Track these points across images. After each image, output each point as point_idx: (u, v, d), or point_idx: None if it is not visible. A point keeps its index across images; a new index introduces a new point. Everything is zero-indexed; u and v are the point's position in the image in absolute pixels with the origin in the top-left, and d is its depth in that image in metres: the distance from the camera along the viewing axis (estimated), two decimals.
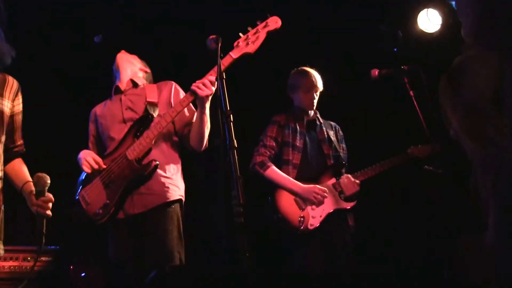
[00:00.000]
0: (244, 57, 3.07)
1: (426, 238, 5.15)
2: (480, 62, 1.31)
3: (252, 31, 3.05)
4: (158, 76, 3.82)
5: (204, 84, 3.12)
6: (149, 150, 3.30)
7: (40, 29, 5.19)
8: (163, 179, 3.36)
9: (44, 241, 2.60)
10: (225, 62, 3.05)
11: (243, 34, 3.07)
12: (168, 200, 3.33)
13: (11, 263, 3.95)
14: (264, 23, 3.05)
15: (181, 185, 3.48)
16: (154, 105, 3.45)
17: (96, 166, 3.33)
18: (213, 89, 3.12)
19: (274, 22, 3.06)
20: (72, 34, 5.30)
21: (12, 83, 2.78)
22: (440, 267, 4.03)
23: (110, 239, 3.39)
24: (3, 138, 2.71)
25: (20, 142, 2.91)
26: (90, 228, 3.46)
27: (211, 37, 2.78)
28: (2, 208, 2.71)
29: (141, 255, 3.25)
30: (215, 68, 3.08)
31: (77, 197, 3.47)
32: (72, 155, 3.63)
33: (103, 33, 5.28)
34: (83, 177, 3.49)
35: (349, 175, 4.19)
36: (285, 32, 5.55)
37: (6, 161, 2.81)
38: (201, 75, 3.15)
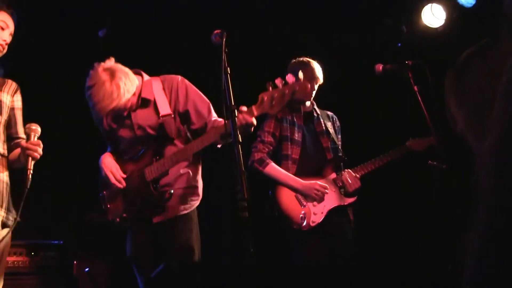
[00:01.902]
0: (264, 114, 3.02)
1: (429, 233, 5.15)
2: (485, 58, 1.30)
3: (279, 93, 2.84)
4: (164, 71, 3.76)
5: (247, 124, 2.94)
6: (167, 171, 3.27)
7: (44, 24, 5.19)
8: (184, 191, 3.37)
9: (29, 180, 2.77)
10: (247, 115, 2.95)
11: (271, 85, 2.86)
12: (187, 212, 3.36)
13: (15, 258, 3.96)
14: (292, 89, 2.81)
15: (201, 191, 3.48)
16: (169, 121, 3.33)
17: (117, 183, 3.31)
18: (252, 129, 2.98)
19: (303, 90, 2.82)
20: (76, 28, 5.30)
21: (11, 84, 3.19)
22: (444, 262, 4.03)
23: (129, 236, 3.42)
24: (2, 120, 3.06)
25: (23, 136, 3.14)
26: (92, 224, 3.48)
27: (216, 31, 2.77)
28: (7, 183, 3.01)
29: (161, 252, 3.27)
30: (257, 107, 2.94)
31: (100, 197, 3.48)
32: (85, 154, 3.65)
33: (107, 27, 5.28)
34: (103, 178, 3.46)
35: (350, 170, 4.16)
36: (288, 26, 5.56)
37: (11, 151, 3.12)
38: (206, 70, 3.11)
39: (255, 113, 2.94)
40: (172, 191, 3.27)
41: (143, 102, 3.37)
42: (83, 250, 4.67)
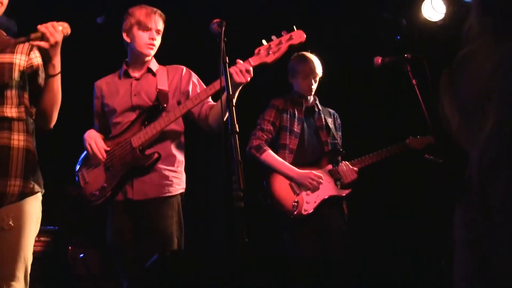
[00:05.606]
0: (262, 65, 3.06)
1: (422, 227, 5.16)
2: (477, 59, 1.29)
3: (275, 41, 3.02)
4: (166, 59, 3.74)
5: (241, 71, 3.03)
6: (154, 141, 3.29)
7: (43, 8, 5.16)
8: (167, 172, 3.34)
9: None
10: None
11: (266, 41, 3.04)
12: (170, 194, 3.33)
13: None
14: (288, 36, 3.01)
15: (184, 177, 3.47)
16: (165, 93, 3.40)
17: (97, 152, 3.30)
18: (249, 78, 3.04)
19: (299, 36, 3.02)
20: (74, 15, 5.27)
21: (24, 44, 2.87)
22: (437, 256, 4.05)
23: (109, 221, 3.38)
24: (13, 83, 2.78)
25: None
26: (86, 209, 3.47)
27: (214, 20, 2.76)
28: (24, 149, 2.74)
29: (139, 239, 3.25)
30: (253, 57, 3.07)
31: (76, 174, 3.46)
32: (74, 135, 3.64)
33: (105, 14, 5.26)
34: (85, 155, 3.45)
35: (347, 162, 4.19)
36: (285, 18, 5.54)
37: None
38: (208, 60, 3.12)
39: (252, 63, 3.06)
40: (159, 155, 3.26)
41: (148, 72, 3.50)
42: (78, 236, 4.67)
